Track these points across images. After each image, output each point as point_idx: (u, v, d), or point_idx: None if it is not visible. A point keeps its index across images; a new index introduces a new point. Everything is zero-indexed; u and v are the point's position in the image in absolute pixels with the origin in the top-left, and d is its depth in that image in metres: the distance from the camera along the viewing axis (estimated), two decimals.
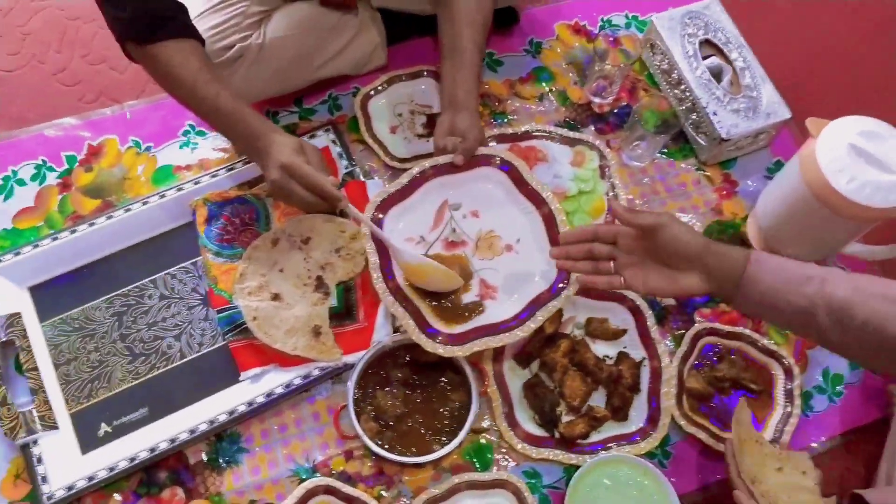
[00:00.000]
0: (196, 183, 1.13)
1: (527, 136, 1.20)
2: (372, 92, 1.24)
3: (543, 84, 1.30)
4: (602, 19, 1.39)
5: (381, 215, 1.01)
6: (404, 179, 1.03)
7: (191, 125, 1.23)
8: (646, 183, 1.20)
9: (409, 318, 0.94)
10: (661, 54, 1.27)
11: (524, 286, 0.99)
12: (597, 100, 1.27)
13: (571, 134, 1.20)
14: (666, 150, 1.24)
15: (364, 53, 1.22)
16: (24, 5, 1.39)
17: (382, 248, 0.99)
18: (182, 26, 0.92)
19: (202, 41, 0.96)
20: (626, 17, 1.40)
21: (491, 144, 1.14)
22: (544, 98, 1.28)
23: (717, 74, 1.22)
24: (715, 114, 1.17)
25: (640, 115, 1.15)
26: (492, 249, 1.03)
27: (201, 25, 1.00)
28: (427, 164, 1.03)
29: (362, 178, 1.13)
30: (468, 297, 0.99)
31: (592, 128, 1.25)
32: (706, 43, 1.25)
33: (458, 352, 0.92)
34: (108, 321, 1.04)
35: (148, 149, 1.21)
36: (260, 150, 0.94)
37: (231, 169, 1.14)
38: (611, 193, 1.16)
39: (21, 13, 1.39)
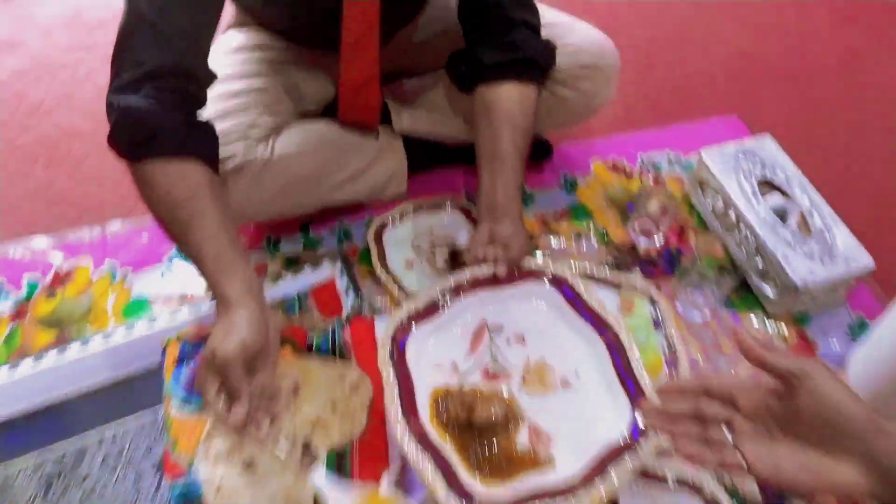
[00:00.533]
0: (173, 316, 0.95)
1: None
2: (388, 221, 1.09)
3: (581, 222, 1.15)
4: (642, 157, 1.28)
5: (410, 326, 0.82)
6: (435, 291, 0.85)
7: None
8: (709, 338, 1.01)
9: (437, 475, 0.69)
10: (713, 193, 1.13)
11: (589, 433, 0.76)
12: (642, 241, 1.11)
13: (617, 276, 1.03)
14: (727, 301, 1.06)
15: (382, 180, 1.09)
16: (19, 121, 1.30)
17: (405, 375, 0.77)
18: (177, 144, 0.75)
19: (208, 157, 0.79)
20: (669, 157, 1.29)
21: None
22: (582, 237, 1.13)
23: (781, 215, 1.07)
24: (786, 258, 1.00)
25: (695, 260, 0.99)
26: (543, 384, 0.82)
27: None
28: (464, 274, 0.86)
29: (371, 315, 0.95)
30: (515, 447, 0.76)
31: (639, 271, 1.08)
32: (762, 183, 1.11)
33: None
34: (32, 488, 0.81)
35: (124, 276, 1.04)
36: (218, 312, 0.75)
37: None
38: (666, 348, 0.96)
39: (14, 127, 1.29)
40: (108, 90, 0.75)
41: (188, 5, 0.74)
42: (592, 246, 1.11)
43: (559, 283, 0.87)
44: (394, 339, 0.80)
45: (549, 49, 0.96)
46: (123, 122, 0.73)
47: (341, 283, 0.99)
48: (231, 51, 0.99)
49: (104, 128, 0.75)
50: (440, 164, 1.20)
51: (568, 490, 0.70)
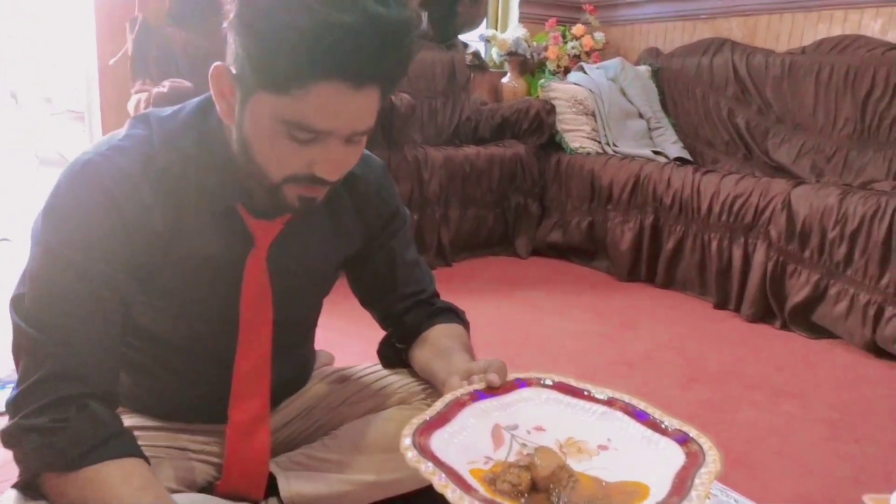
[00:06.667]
0: None
1: None
2: None
3: None
4: None
5: (428, 431, 0.80)
6: (439, 405, 0.85)
7: None
8: None
9: None
10: None
11: (659, 466, 0.79)
12: None
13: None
14: None
15: None
16: None
17: (444, 467, 0.75)
18: (127, 444, 0.77)
19: (146, 459, 0.78)
20: None
21: None
22: None
23: None
24: None
25: None
26: (584, 452, 0.84)
27: None
28: (459, 392, 0.88)
29: None
30: (600, 483, 0.76)
31: None
32: None
33: None
34: None
35: None
36: None
37: None
38: None
39: None
40: (14, 419, 0.73)
41: (88, 339, 0.76)
42: None
43: (554, 384, 0.92)
44: (414, 444, 0.78)
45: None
46: (78, 430, 0.72)
47: None
48: None
49: None
50: None
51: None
